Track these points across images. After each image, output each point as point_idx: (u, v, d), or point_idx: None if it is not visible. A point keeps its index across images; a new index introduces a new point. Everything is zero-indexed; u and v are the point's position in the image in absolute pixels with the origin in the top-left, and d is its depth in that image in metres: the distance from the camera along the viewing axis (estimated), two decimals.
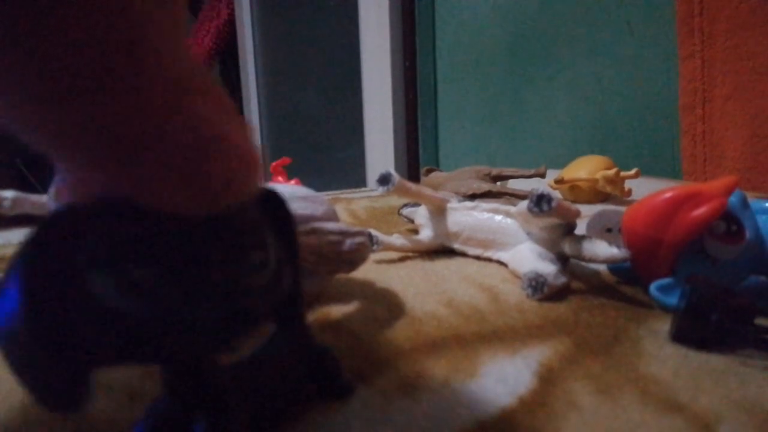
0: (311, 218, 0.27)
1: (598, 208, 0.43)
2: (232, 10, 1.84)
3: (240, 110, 1.85)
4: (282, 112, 1.85)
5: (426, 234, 0.42)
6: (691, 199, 0.29)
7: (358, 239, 0.25)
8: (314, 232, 0.24)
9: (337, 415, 0.19)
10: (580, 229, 0.35)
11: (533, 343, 0.26)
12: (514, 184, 0.59)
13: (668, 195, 0.29)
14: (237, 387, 0.15)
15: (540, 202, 0.31)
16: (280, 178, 0.66)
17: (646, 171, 0.67)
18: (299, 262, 0.18)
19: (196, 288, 0.12)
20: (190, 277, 0.12)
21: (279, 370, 0.17)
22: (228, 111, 0.13)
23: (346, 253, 0.25)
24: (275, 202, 0.17)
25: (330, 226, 0.24)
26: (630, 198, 0.63)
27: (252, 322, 0.14)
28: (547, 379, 0.22)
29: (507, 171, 0.56)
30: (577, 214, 0.33)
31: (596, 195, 0.63)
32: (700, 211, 0.28)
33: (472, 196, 0.51)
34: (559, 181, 0.64)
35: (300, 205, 0.27)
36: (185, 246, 0.12)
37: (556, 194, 0.31)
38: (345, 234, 0.25)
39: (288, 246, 0.16)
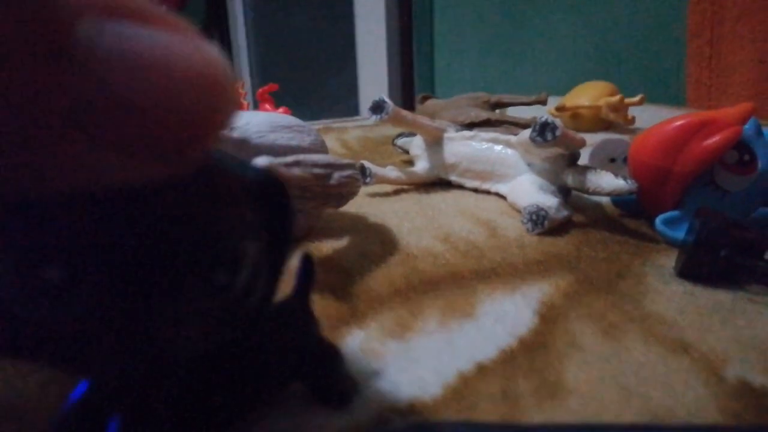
0: (297, 149, 0.25)
1: (601, 136, 0.42)
2: None
3: (225, 33, 1.78)
4: (269, 35, 1.78)
5: (421, 165, 0.40)
6: (704, 127, 0.28)
7: (347, 172, 0.24)
8: (298, 164, 0.22)
9: None
10: (583, 159, 0.33)
11: (533, 279, 0.25)
12: (513, 112, 0.58)
13: (679, 123, 0.28)
14: (184, 382, 0.12)
15: (544, 131, 0.29)
16: (267, 106, 0.62)
17: (650, 98, 0.64)
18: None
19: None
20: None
21: (255, 364, 0.14)
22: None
23: (333, 187, 0.23)
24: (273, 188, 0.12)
25: (316, 158, 0.23)
26: (634, 126, 0.61)
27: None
28: (548, 317, 0.22)
29: (506, 98, 0.54)
30: (582, 143, 0.31)
31: (599, 123, 0.61)
32: (714, 140, 0.27)
33: (470, 125, 0.49)
34: (560, 109, 0.62)
35: (284, 135, 0.25)
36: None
37: (560, 122, 0.29)
38: (332, 167, 0.23)
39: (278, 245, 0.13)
